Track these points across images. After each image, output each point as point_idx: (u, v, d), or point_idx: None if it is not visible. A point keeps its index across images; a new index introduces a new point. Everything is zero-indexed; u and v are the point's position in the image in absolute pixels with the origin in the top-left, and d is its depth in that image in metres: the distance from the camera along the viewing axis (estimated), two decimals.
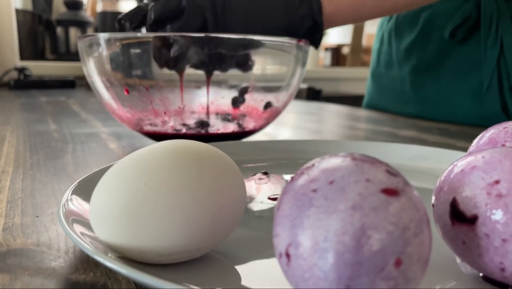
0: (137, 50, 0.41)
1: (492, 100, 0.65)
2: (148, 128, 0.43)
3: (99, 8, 1.60)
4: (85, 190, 0.24)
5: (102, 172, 0.27)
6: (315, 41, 0.47)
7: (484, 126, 0.51)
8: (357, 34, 2.24)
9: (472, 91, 0.67)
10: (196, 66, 0.41)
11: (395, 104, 0.78)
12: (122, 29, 0.43)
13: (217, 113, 0.45)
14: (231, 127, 0.44)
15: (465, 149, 0.40)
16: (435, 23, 0.69)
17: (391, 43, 0.78)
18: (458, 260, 0.20)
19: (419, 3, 0.54)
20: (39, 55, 1.62)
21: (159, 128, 0.43)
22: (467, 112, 0.68)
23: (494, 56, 0.63)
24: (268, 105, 0.45)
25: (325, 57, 2.49)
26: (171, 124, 0.43)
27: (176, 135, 0.43)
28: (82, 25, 1.62)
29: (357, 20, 0.53)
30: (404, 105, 0.77)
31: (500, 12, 0.62)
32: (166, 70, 0.42)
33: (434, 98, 0.72)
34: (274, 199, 0.29)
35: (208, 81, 0.42)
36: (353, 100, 1.56)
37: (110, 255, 0.17)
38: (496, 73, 0.63)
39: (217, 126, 0.43)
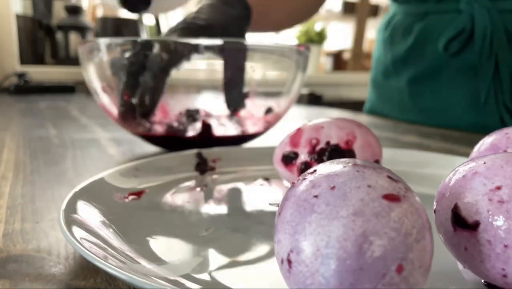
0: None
1: (491, 111, 0.64)
2: (148, 133, 0.43)
3: (100, 13, 1.61)
4: (85, 195, 0.24)
5: (102, 178, 0.27)
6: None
7: (485, 133, 0.51)
8: (358, 39, 2.24)
9: (470, 102, 0.66)
10: None
11: (396, 112, 0.78)
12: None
13: (218, 118, 0.44)
14: (232, 132, 0.44)
15: (467, 155, 0.39)
16: (430, 34, 0.69)
17: (386, 53, 0.78)
18: (460, 266, 0.19)
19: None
20: (39, 60, 1.62)
21: (159, 133, 0.43)
22: (467, 122, 0.67)
23: (489, 69, 0.62)
24: (269, 110, 0.45)
25: (326, 63, 2.50)
26: (172, 129, 0.43)
27: (177, 140, 0.42)
28: (82, 30, 1.62)
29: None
30: (404, 114, 0.76)
31: (494, 24, 0.62)
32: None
33: (433, 108, 0.71)
34: (275, 205, 0.28)
35: None
36: (354, 106, 1.56)
37: (110, 261, 0.17)
38: (492, 85, 0.63)
39: (219, 130, 0.43)
